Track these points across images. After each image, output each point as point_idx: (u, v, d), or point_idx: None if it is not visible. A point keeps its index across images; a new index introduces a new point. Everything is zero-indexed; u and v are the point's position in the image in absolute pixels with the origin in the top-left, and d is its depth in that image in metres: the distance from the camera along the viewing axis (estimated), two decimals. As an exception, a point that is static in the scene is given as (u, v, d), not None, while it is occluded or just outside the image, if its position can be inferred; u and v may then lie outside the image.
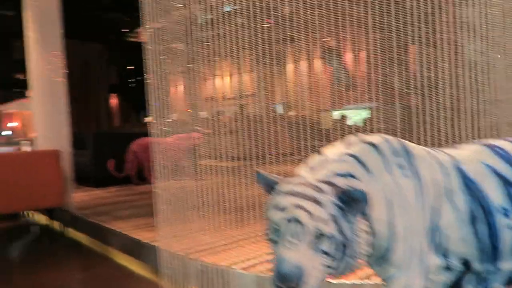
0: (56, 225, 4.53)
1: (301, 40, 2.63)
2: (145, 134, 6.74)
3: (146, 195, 5.46)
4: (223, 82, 3.96)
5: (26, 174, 4.08)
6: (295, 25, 2.59)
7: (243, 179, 3.08)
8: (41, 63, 5.09)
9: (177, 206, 2.93)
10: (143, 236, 3.28)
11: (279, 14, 2.67)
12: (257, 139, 2.93)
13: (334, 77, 3.55)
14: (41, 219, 4.86)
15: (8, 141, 10.53)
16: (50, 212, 4.56)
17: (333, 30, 2.42)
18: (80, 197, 5.03)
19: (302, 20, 2.51)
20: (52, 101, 4.84)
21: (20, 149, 5.82)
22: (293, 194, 1.13)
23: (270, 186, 1.22)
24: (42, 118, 5.06)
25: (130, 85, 18.36)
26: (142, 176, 6.47)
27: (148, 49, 2.98)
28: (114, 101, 17.64)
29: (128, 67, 17.33)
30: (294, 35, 2.63)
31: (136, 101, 19.17)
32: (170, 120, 3.11)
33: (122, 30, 13.62)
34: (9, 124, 19.30)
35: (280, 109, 3.70)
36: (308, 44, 2.72)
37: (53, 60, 4.91)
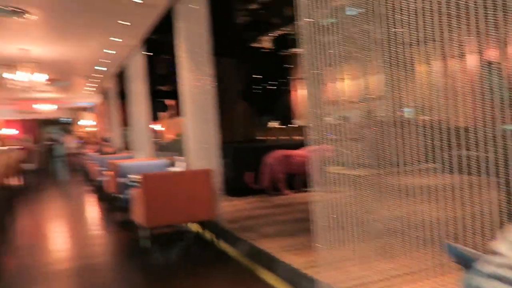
0: (207, 234, 5.01)
1: (433, 41, 2.41)
2: (276, 146, 7.08)
3: (283, 208, 5.75)
4: (351, 85, 3.80)
5: (185, 190, 4.61)
6: (420, 26, 2.38)
7: (376, 193, 2.90)
8: (192, 84, 5.71)
9: (326, 228, 2.89)
10: (292, 260, 3.42)
11: (407, 16, 2.50)
12: (384, 145, 2.74)
13: (490, 89, 3.18)
14: (194, 227, 5.42)
15: (160, 149, 11.94)
16: (202, 222, 5.07)
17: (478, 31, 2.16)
18: (224, 208, 5.43)
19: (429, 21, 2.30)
20: (203, 120, 5.35)
21: (173, 162, 6.56)
22: (499, 279, 1.07)
23: (466, 262, 1.18)
24: (194, 137, 5.67)
25: (254, 91, 19.31)
26: (277, 187, 6.80)
27: (304, 54, 2.97)
28: (241, 109, 18.75)
29: (253, 75, 18.25)
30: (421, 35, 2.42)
31: (260, 107, 20.08)
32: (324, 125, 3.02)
33: (251, 45, 14.41)
34: (153, 126, 22.03)
35: (410, 114, 3.43)
36: (443, 45, 2.48)
37: (203, 81, 5.40)
